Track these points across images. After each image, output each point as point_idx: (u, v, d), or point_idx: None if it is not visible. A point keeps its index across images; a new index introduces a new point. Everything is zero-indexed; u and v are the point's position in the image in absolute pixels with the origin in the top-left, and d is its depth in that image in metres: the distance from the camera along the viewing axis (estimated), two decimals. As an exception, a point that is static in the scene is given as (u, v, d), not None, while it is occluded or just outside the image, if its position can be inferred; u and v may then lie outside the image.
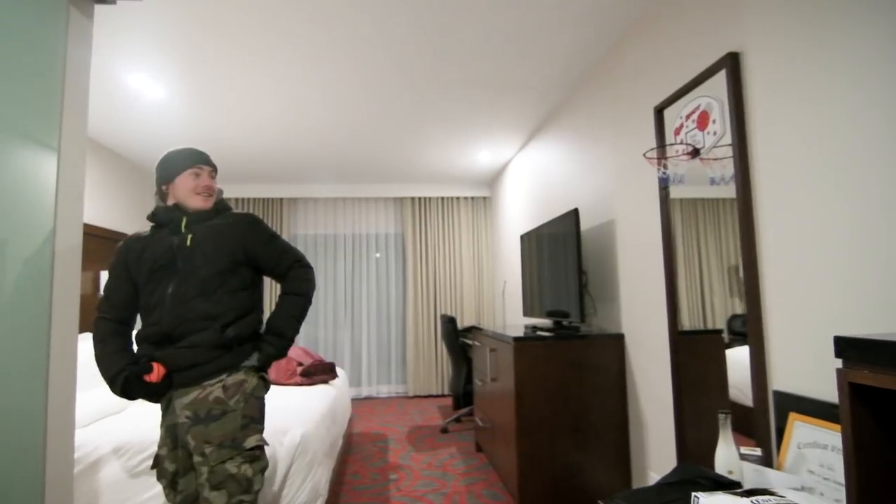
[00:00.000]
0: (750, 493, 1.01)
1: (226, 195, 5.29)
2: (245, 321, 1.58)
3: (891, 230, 1.13)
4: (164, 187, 1.66)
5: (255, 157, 4.38)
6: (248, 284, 1.63)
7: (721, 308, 1.79)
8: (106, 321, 1.57)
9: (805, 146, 1.38)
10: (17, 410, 1.04)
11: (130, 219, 4.41)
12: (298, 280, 1.68)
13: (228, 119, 3.42)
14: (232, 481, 1.44)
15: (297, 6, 2.12)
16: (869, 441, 0.65)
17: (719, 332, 1.81)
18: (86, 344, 2.38)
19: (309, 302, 1.70)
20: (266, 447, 1.63)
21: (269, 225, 5.26)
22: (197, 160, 1.66)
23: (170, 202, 1.65)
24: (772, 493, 1.00)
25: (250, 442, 1.49)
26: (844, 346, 0.64)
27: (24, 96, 1.10)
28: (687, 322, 1.97)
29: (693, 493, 1.01)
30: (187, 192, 1.62)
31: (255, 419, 1.55)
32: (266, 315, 1.62)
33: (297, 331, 1.67)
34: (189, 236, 1.56)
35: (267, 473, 1.88)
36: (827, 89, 1.30)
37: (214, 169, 1.72)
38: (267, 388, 1.67)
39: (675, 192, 1.99)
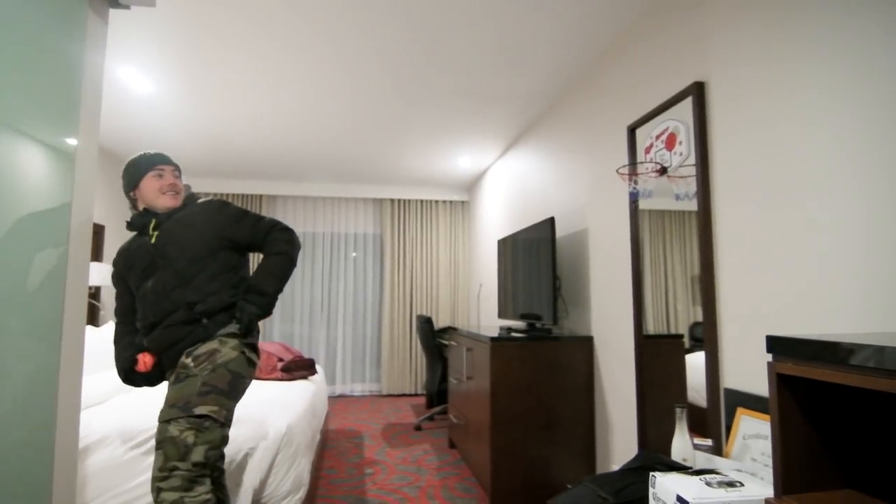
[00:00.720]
0: (699, 472, 1.16)
1: (207, 190, 5.27)
2: (216, 296, 1.61)
3: (828, 244, 1.30)
4: (132, 194, 1.73)
5: (239, 153, 4.40)
6: (231, 266, 1.68)
7: (684, 314, 1.95)
8: (118, 325, 1.73)
9: (757, 169, 1.55)
10: (30, 396, 1.11)
11: (116, 213, 4.37)
12: (276, 242, 1.70)
13: (215, 115, 3.46)
14: (170, 444, 1.42)
15: (291, 7, 2.19)
16: (793, 423, 0.79)
17: (680, 336, 1.97)
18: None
19: (290, 261, 1.69)
20: (223, 426, 1.52)
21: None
22: (157, 161, 1.71)
23: (140, 207, 1.72)
24: (717, 473, 1.15)
25: (201, 409, 1.45)
26: (774, 343, 0.78)
27: (45, 94, 1.17)
28: (652, 327, 2.13)
29: (651, 473, 1.15)
30: (154, 193, 1.69)
31: (221, 391, 1.51)
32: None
33: (278, 288, 1.66)
34: (156, 234, 1.65)
35: (254, 463, 1.95)
36: (776, 119, 1.47)
37: (177, 168, 1.76)
38: (251, 366, 1.64)
39: (646, 204, 2.14)
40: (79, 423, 1.29)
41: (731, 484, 1.07)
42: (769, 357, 0.79)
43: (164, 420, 1.46)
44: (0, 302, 1.00)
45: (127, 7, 1.43)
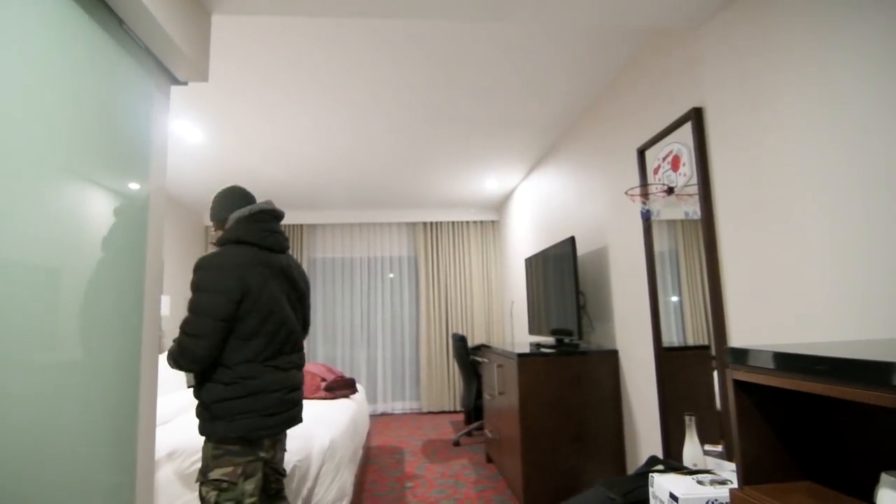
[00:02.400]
0: (694, 472, 1.26)
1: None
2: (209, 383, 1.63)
3: (823, 256, 1.39)
4: None
5: (281, 188, 4.73)
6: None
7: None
8: None
9: (751, 187, 1.65)
10: (117, 417, 1.33)
11: (173, 250, 4.77)
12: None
13: (260, 155, 3.78)
14: (203, 501, 1.60)
15: (329, 53, 2.39)
16: (751, 423, 0.91)
17: (707, 347, 2.02)
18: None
19: (174, 356, 1.60)
20: (244, 480, 1.60)
21: (291, 250, 5.58)
22: None
23: None
24: (712, 473, 1.25)
25: (215, 473, 1.57)
26: (729, 354, 0.91)
27: (122, 154, 1.42)
28: (692, 337, 2.12)
29: (650, 474, 1.26)
30: None
31: (234, 452, 1.59)
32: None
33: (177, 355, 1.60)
34: None
35: (301, 474, 2.15)
36: (765, 139, 1.58)
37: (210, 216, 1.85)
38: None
39: (673, 215, 2.16)
40: (155, 438, 1.52)
41: (722, 482, 1.17)
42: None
43: (198, 481, 1.63)
44: (94, 335, 1.23)
45: (185, 83, 1.70)
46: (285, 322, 1.73)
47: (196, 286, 1.61)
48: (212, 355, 1.59)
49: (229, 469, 1.58)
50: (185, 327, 1.59)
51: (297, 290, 1.85)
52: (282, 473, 1.83)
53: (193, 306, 1.59)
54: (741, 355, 0.88)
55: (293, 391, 1.75)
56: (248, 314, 1.63)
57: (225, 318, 1.59)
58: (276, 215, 1.83)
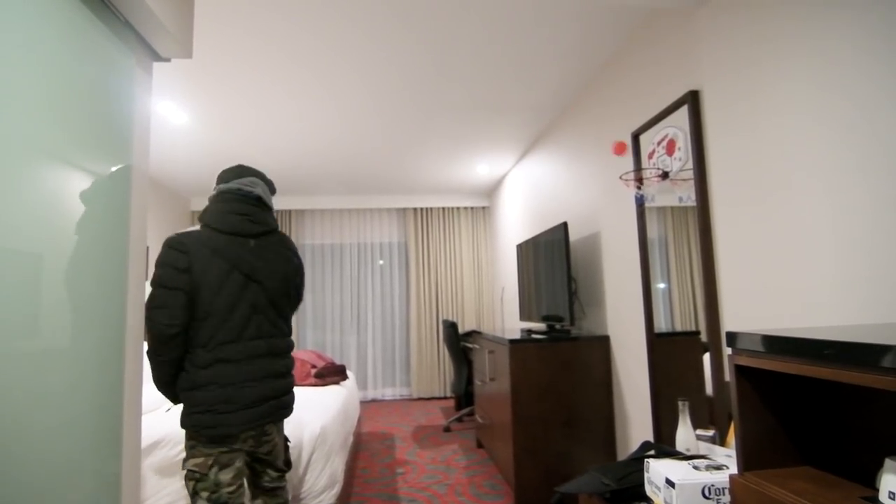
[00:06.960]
0: (689, 458, 1.26)
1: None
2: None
3: (823, 241, 1.38)
4: None
5: (268, 172, 4.65)
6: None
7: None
8: None
9: (747, 171, 1.64)
10: (101, 403, 1.29)
11: (160, 235, 4.67)
12: None
13: (245, 139, 3.69)
14: (187, 488, 1.60)
15: (316, 35, 2.35)
16: (751, 408, 0.90)
17: (697, 333, 2.02)
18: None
19: (150, 358, 1.57)
20: (218, 470, 1.56)
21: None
22: None
23: None
24: (707, 458, 1.25)
25: (189, 464, 1.57)
26: (731, 338, 0.89)
27: (102, 134, 1.36)
28: (679, 323, 2.14)
29: (645, 459, 1.26)
30: None
31: (202, 443, 1.56)
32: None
33: (158, 381, 1.60)
34: None
35: (292, 461, 2.13)
36: (762, 123, 1.56)
37: None
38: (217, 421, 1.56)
39: (666, 201, 2.15)
40: (141, 426, 1.48)
41: (717, 467, 1.17)
42: (728, 350, 0.90)
43: (182, 469, 1.62)
44: (76, 321, 1.18)
45: (168, 60, 1.63)
46: (238, 303, 1.60)
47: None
48: (181, 332, 1.55)
49: (200, 460, 1.56)
50: (147, 303, 1.56)
51: (271, 270, 1.69)
52: (279, 469, 1.76)
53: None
54: (744, 340, 0.86)
55: (261, 381, 1.62)
56: (199, 289, 1.55)
57: (178, 287, 1.54)
58: (244, 194, 1.69)
